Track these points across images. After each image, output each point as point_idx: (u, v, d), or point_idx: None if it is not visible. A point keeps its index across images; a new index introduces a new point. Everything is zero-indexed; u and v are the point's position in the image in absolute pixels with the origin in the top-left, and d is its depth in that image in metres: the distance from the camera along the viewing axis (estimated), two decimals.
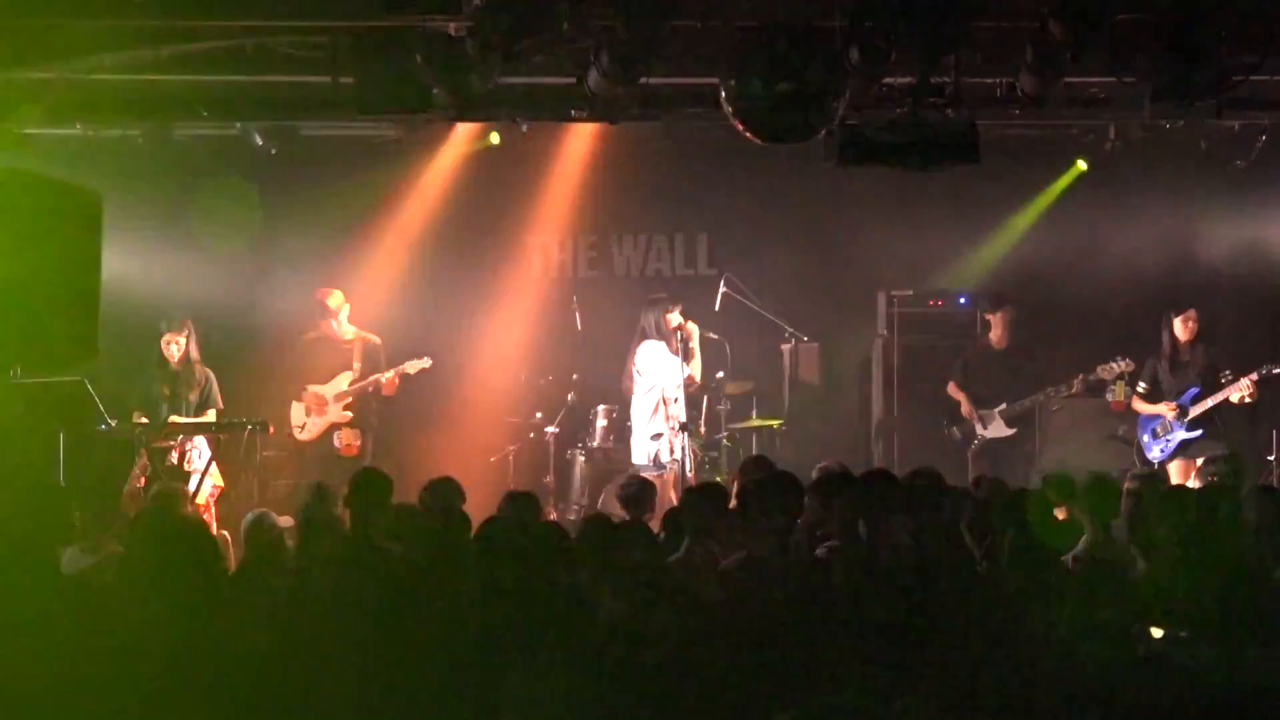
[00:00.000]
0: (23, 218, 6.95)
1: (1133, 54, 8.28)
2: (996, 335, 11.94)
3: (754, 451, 12.06)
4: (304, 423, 11.54)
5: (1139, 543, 7.09)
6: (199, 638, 4.68)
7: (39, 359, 7.35)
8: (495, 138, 11.85)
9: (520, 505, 7.64)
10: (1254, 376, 10.91)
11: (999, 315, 11.90)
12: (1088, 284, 12.71)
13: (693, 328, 11.18)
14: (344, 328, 11.63)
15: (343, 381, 11.53)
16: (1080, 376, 11.48)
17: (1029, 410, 11.74)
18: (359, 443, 11.49)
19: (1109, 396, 11.53)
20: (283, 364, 11.75)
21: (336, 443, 11.46)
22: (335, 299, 11.61)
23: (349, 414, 11.51)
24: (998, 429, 11.76)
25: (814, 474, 7.78)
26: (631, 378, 11.34)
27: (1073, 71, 8.53)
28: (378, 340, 11.73)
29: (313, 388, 11.55)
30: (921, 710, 3.33)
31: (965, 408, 11.88)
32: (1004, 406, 11.73)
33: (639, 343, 11.32)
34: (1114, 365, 11.42)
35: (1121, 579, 5.86)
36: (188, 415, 10.88)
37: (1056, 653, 5.27)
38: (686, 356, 11.00)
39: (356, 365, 11.55)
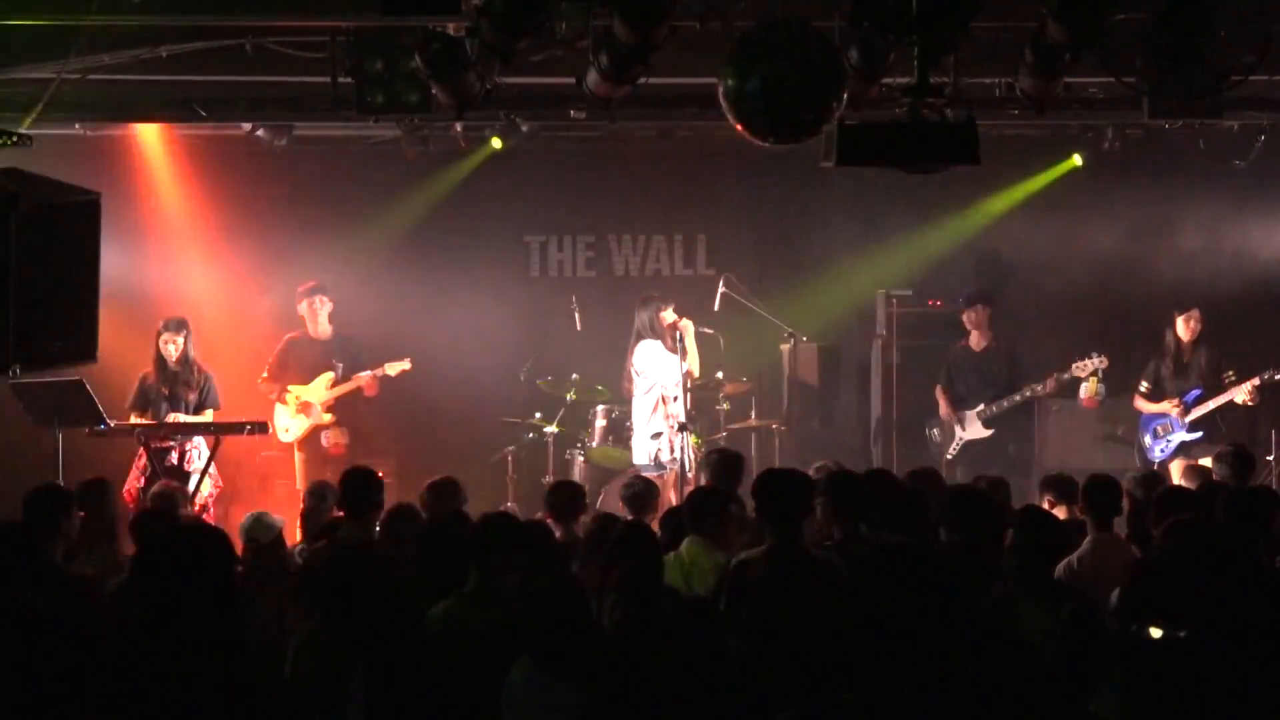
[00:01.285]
0: (22, 217, 6.94)
1: (1131, 54, 8.28)
2: (974, 336, 11.92)
3: (753, 452, 12.08)
4: (288, 425, 11.55)
5: (1139, 543, 7.09)
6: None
7: (38, 359, 7.33)
8: (497, 143, 11.84)
9: (563, 497, 7.66)
10: (1255, 382, 10.88)
11: (970, 314, 11.86)
12: (1084, 283, 12.72)
13: (687, 323, 11.18)
14: (322, 327, 11.64)
15: (324, 382, 11.53)
16: (1054, 375, 11.45)
17: (1006, 411, 11.70)
18: (346, 440, 11.51)
19: (1081, 394, 11.48)
20: (269, 364, 11.77)
21: (324, 442, 11.48)
22: (316, 297, 11.62)
23: (332, 416, 11.52)
24: (975, 430, 11.73)
25: (811, 473, 7.78)
26: (631, 379, 11.34)
27: (1072, 72, 8.53)
28: (357, 338, 11.74)
29: (294, 389, 11.54)
30: (919, 709, 3.32)
31: (943, 410, 11.86)
32: (981, 408, 11.72)
33: (636, 343, 11.32)
34: (1088, 361, 11.36)
35: (1120, 580, 5.87)
36: (186, 415, 10.88)
37: (1054, 651, 5.27)
38: (683, 353, 11.02)
39: (338, 365, 11.56)
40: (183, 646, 3.85)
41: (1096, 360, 11.34)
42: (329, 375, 11.54)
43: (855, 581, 3.38)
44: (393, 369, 11.50)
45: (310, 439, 11.55)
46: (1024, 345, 12.11)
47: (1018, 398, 11.63)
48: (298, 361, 11.65)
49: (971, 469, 10.82)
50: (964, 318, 11.90)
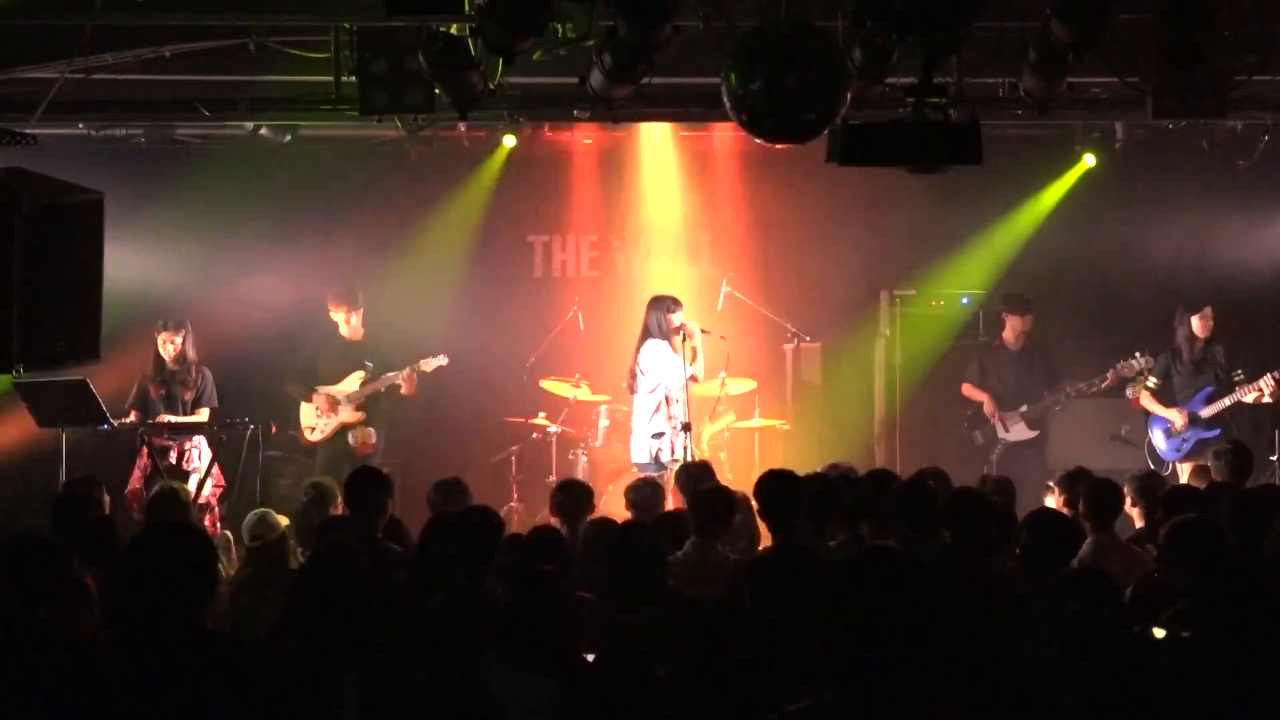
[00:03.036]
0: (26, 217, 6.95)
1: (1135, 54, 8.28)
2: (1011, 335, 11.90)
3: (756, 453, 12.06)
4: (314, 424, 11.54)
5: (1153, 543, 7.08)
6: None
7: (42, 359, 7.34)
8: (510, 140, 11.81)
9: (571, 496, 7.71)
10: (1272, 378, 10.84)
11: (1023, 318, 11.83)
12: (1092, 283, 12.71)
13: (694, 327, 11.19)
14: (355, 328, 11.65)
15: (354, 382, 11.54)
16: (1110, 373, 11.44)
17: (1050, 410, 11.68)
18: (374, 440, 11.52)
19: (1129, 393, 11.49)
20: (289, 363, 11.75)
21: (352, 441, 11.47)
22: (351, 300, 11.62)
23: (361, 414, 11.52)
24: (1020, 431, 11.69)
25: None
26: (635, 377, 11.35)
27: (1075, 72, 8.52)
28: (389, 338, 11.76)
29: (323, 389, 11.54)
30: (921, 710, 3.32)
31: (988, 407, 11.79)
32: (1025, 408, 11.67)
33: (643, 342, 11.33)
34: (1133, 362, 11.36)
35: (1124, 580, 5.87)
36: (183, 415, 10.88)
37: (1059, 653, 5.27)
38: (689, 356, 11.03)
39: (368, 364, 11.57)
40: (164, 641, 3.90)
41: (1142, 361, 11.34)
42: (359, 374, 11.55)
43: (837, 583, 3.38)
44: (428, 365, 11.51)
45: (335, 438, 11.55)
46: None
47: (1062, 397, 11.62)
48: (329, 362, 11.64)
49: (1014, 471, 10.59)
50: (1013, 319, 11.83)
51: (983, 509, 6.38)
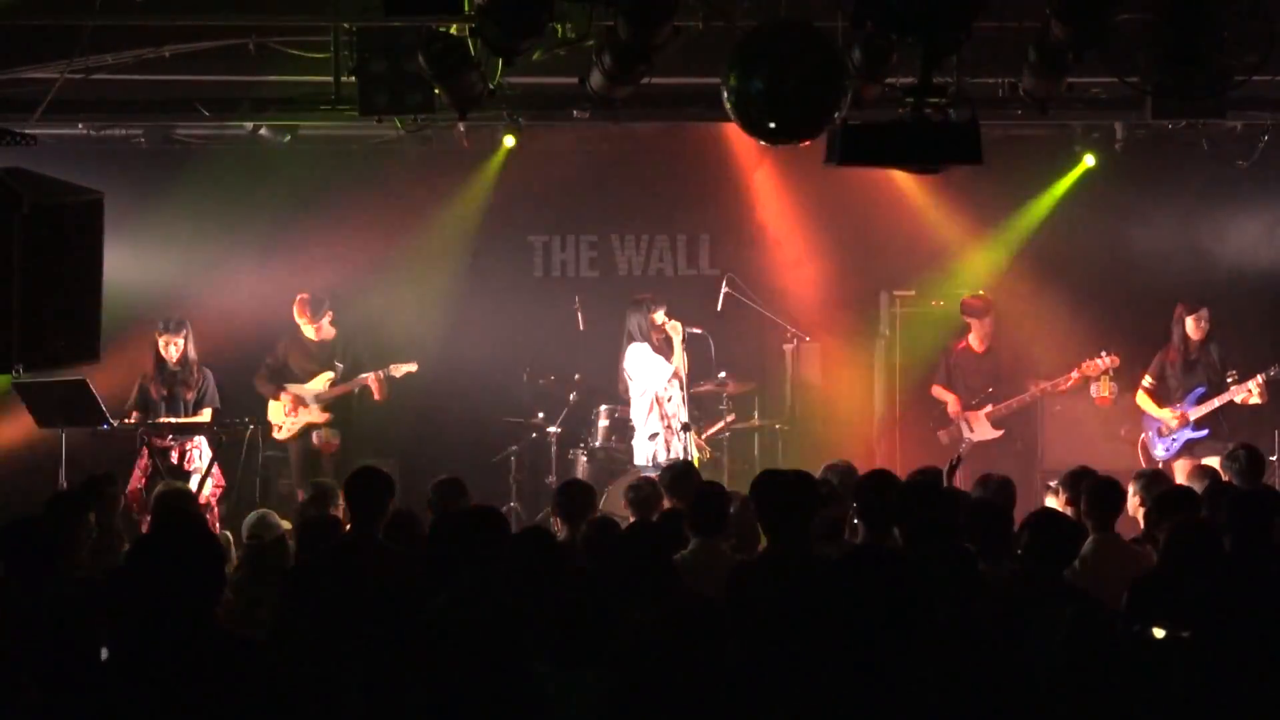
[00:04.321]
0: (26, 217, 6.95)
1: (1135, 54, 8.28)
2: (977, 338, 11.91)
3: (756, 453, 12.08)
4: (282, 422, 11.55)
5: (1152, 543, 7.08)
6: None
7: (42, 358, 7.34)
8: (510, 140, 11.81)
9: (573, 497, 7.71)
10: (1261, 379, 10.88)
11: (983, 321, 11.85)
12: (1085, 282, 12.71)
13: (675, 325, 11.21)
14: (325, 328, 11.63)
15: (322, 382, 11.53)
16: (1076, 372, 11.46)
17: (1016, 411, 11.70)
18: (338, 440, 11.51)
19: (1093, 392, 11.51)
20: (261, 361, 11.76)
21: (316, 441, 11.48)
22: (317, 300, 11.61)
23: (328, 414, 11.51)
24: (984, 431, 11.71)
25: (821, 474, 7.78)
26: (625, 383, 11.38)
27: (1075, 71, 8.53)
28: (360, 339, 11.75)
29: (292, 387, 11.54)
30: (918, 711, 3.32)
31: (952, 408, 11.83)
32: (989, 409, 11.70)
33: (627, 345, 11.36)
34: (1098, 361, 11.40)
35: (1123, 579, 5.86)
36: (185, 415, 10.89)
37: (1057, 654, 5.27)
38: (669, 353, 11.06)
39: (339, 365, 11.56)
40: (174, 640, 3.91)
41: (1107, 360, 11.36)
42: (329, 375, 11.54)
43: (828, 584, 3.39)
44: (398, 371, 11.50)
45: (302, 437, 11.55)
46: (1034, 344, 12.11)
47: (1027, 397, 11.63)
48: (298, 361, 11.65)
49: (983, 470, 10.68)
50: (975, 323, 11.85)
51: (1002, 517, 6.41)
